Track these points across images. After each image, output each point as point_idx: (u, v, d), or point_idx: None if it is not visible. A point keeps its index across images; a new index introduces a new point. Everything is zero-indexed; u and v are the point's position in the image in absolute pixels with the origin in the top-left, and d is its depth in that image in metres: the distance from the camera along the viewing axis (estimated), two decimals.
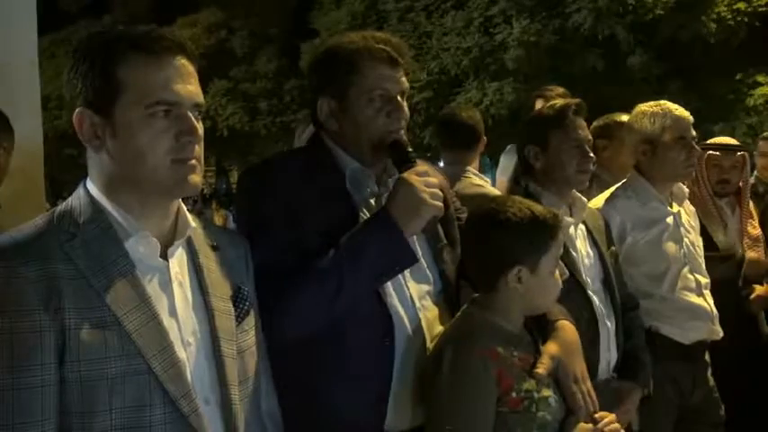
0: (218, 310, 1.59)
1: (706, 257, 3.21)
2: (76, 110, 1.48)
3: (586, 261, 2.68)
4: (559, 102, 2.82)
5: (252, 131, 20.90)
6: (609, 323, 2.66)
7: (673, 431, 3.09)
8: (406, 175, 1.90)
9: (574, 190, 2.69)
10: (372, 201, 2.01)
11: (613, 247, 2.87)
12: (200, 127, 1.53)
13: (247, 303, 1.66)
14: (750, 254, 3.57)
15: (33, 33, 2.97)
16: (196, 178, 1.53)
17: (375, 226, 1.89)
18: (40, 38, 3.17)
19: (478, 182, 3.83)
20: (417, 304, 1.98)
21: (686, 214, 3.21)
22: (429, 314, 2.00)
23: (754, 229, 3.77)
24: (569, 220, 2.65)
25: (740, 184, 3.78)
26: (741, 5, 14.38)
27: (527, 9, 15.46)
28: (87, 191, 1.53)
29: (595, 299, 2.63)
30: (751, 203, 3.88)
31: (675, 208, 3.15)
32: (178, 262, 1.56)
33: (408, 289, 1.98)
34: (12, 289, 1.36)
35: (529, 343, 2.04)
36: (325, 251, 1.87)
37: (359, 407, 1.89)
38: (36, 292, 1.37)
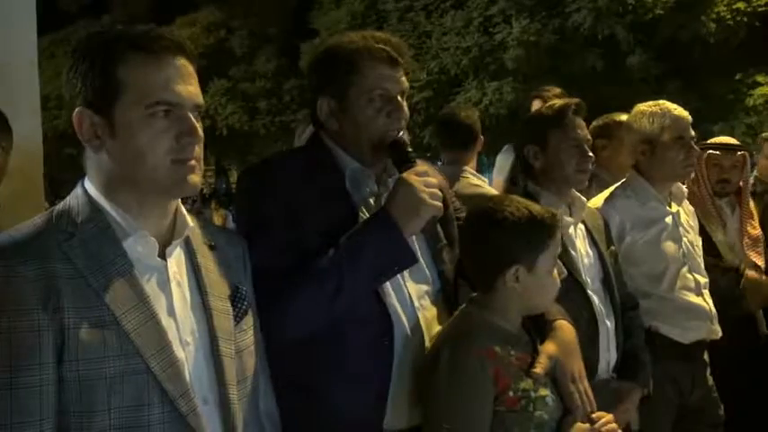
0: (216, 309, 1.59)
1: (708, 265, 3.22)
2: (76, 109, 1.48)
3: (586, 261, 2.68)
4: (558, 101, 2.82)
5: (251, 131, 20.90)
6: (608, 323, 2.66)
7: (672, 431, 3.09)
8: (405, 175, 1.91)
9: (573, 189, 2.69)
10: (372, 200, 2.01)
11: (613, 247, 2.87)
12: (199, 127, 1.53)
13: (245, 303, 1.66)
14: (750, 272, 3.57)
15: (33, 33, 2.96)
16: (195, 178, 1.53)
17: (375, 226, 1.89)
18: (40, 38, 3.16)
19: (476, 182, 3.83)
20: (416, 304, 1.98)
21: (685, 214, 3.21)
22: (427, 314, 2.00)
23: (754, 229, 3.77)
24: (569, 219, 2.65)
25: (740, 183, 3.78)
26: (740, 5, 14.37)
27: (526, 9, 15.46)
28: (85, 190, 1.53)
29: (595, 298, 2.63)
30: (751, 203, 3.88)
31: (674, 207, 3.15)
32: (176, 261, 1.56)
33: (407, 289, 1.98)
34: (10, 288, 1.36)
35: (527, 342, 2.04)
36: (324, 251, 1.87)
37: (358, 406, 1.89)
38: (34, 292, 1.37)
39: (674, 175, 3.12)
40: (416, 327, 1.97)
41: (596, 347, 2.59)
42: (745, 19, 14.33)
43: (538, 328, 2.10)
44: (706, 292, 3.13)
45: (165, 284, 1.53)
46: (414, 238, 1.96)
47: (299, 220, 1.90)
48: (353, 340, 1.89)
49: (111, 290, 1.43)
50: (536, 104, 3.99)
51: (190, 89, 1.51)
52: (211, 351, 1.56)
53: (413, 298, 1.98)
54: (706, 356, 3.18)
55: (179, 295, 1.54)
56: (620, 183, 3.20)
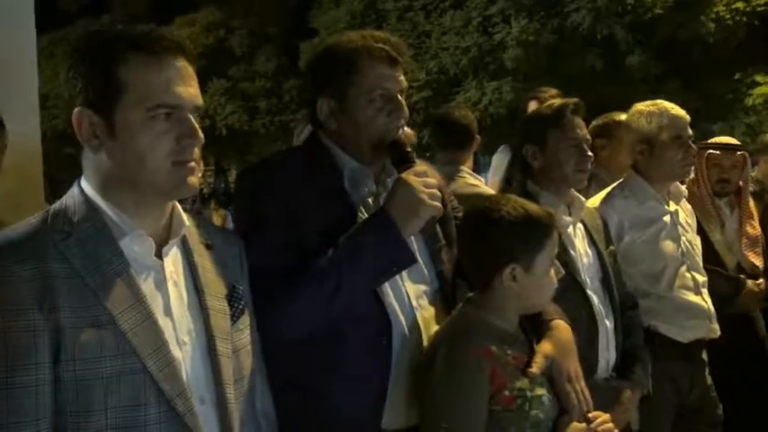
0: (212, 309, 1.58)
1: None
2: (75, 109, 1.48)
3: (585, 260, 2.68)
4: (557, 101, 2.82)
5: (251, 131, 20.88)
6: (608, 322, 2.66)
7: (671, 430, 3.09)
8: (405, 175, 1.90)
9: (572, 189, 2.69)
10: (370, 200, 2.01)
11: (612, 247, 2.87)
12: (199, 129, 1.53)
13: (242, 302, 1.66)
14: (749, 285, 3.58)
15: (32, 32, 2.96)
16: (194, 180, 1.53)
17: (374, 226, 1.89)
18: (39, 37, 3.16)
19: (473, 181, 3.83)
20: (414, 303, 1.98)
21: (683, 213, 3.22)
22: (426, 313, 2.00)
23: (754, 229, 3.77)
24: (568, 219, 2.65)
25: (740, 183, 3.78)
26: (740, 5, 14.36)
27: (526, 8, 15.45)
28: (82, 190, 1.52)
29: (594, 298, 2.63)
30: (751, 203, 3.89)
31: (673, 207, 3.16)
32: (173, 261, 1.56)
33: (405, 288, 1.98)
34: (6, 288, 1.36)
35: (523, 342, 2.04)
36: (323, 251, 1.87)
37: (357, 406, 1.89)
38: (30, 292, 1.37)
39: (672, 174, 3.12)
40: (414, 326, 1.97)
41: (596, 347, 2.60)
42: (745, 19, 14.32)
43: (535, 327, 2.10)
44: (705, 291, 3.13)
45: (161, 284, 1.52)
46: (412, 238, 1.96)
47: (298, 220, 1.89)
48: (352, 340, 1.89)
49: (108, 289, 1.43)
50: (532, 105, 4.00)
51: (190, 90, 1.51)
52: (208, 350, 1.55)
53: (411, 298, 1.98)
54: (705, 356, 3.18)
55: (176, 295, 1.54)
56: (617, 182, 3.21)
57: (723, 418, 3.20)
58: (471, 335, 1.94)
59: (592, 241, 2.75)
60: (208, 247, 1.65)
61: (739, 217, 3.76)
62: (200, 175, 1.55)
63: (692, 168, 3.22)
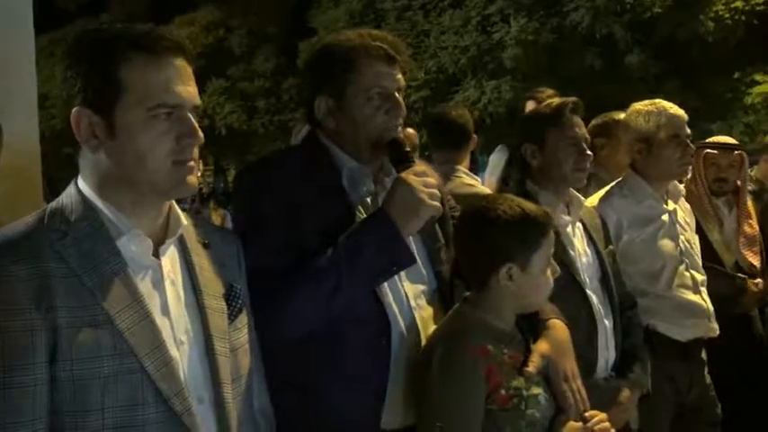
0: (210, 308, 1.58)
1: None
2: (74, 109, 1.47)
3: (584, 260, 2.67)
4: (556, 100, 2.82)
5: (250, 130, 20.88)
6: (607, 322, 2.66)
7: (669, 430, 3.09)
8: (404, 174, 1.90)
9: (571, 188, 2.69)
10: (369, 199, 2.01)
11: (611, 246, 2.87)
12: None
13: (240, 301, 1.66)
14: (751, 286, 3.59)
15: (30, 32, 2.96)
16: (193, 179, 1.53)
17: (373, 226, 1.88)
18: (38, 36, 3.16)
19: (469, 181, 3.81)
20: (412, 303, 1.98)
21: (682, 212, 3.22)
22: (424, 313, 2.00)
23: (751, 228, 3.78)
24: (567, 218, 2.65)
25: (738, 183, 3.79)
26: (739, 4, 14.37)
27: (525, 8, 15.46)
28: (79, 189, 1.52)
29: (593, 297, 2.63)
30: (749, 203, 3.89)
31: (671, 206, 3.16)
32: (170, 260, 1.56)
33: (404, 288, 1.97)
34: (3, 288, 1.36)
35: (520, 341, 2.04)
36: (322, 250, 1.86)
37: (356, 406, 1.89)
38: (27, 291, 1.37)
39: (670, 173, 3.13)
40: (412, 326, 1.96)
41: (595, 347, 2.59)
42: (744, 18, 14.33)
43: (531, 326, 2.10)
44: (704, 290, 3.13)
45: (158, 283, 1.52)
46: (410, 237, 1.95)
47: (297, 219, 1.89)
48: (351, 340, 1.89)
49: (105, 289, 1.43)
50: (530, 106, 3.99)
51: (189, 90, 1.51)
52: (206, 350, 1.55)
53: (409, 298, 1.98)
54: (704, 355, 3.18)
55: (173, 294, 1.54)
56: (616, 181, 3.21)
57: (722, 417, 3.20)
58: (468, 334, 1.94)
59: (591, 241, 2.74)
60: (205, 245, 1.65)
61: (737, 216, 3.77)
62: (198, 174, 1.55)
63: (690, 167, 3.22)
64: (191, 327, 1.55)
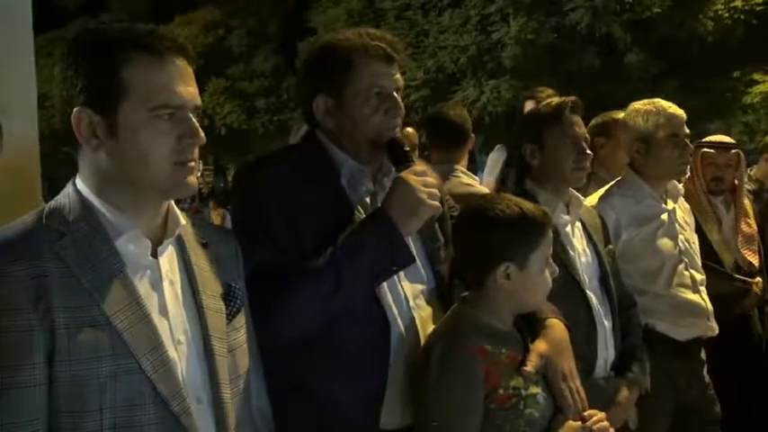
0: (208, 308, 1.58)
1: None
2: (75, 108, 1.47)
3: (583, 259, 2.67)
4: (555, 99, 2.82)
5: (249, 130, 20.90)
6: (606, 321, 2.65)
7: (669, 429, 3.09)
8: (404, 174, 1.90)
9: (571, 188, 2.69)
10: (368, 199, 2.01)
11: (610, 246, 2.86)
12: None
13: (238, 301, 1.65)
14: (755, 288, 3.60)
15: (29, 31, 2.95)
16: (193, 179, 1.53)
17: (373, 225, 1.88)
18: (38, 36, 3.16)
19: (468, 181, 3.81)
20: (411, 303, 1.98)
21: (681, 211, 3.22)
22: (423, 313, 2.00)
23: (749, 227, 3.78)
24: (566, 218, 2.65)
25: (735, 182, 3.79)
26: (738, 4, 14.39)
27: (524, 7, 15.47)
28: (77, 189, 1.52)
29: (593, 297, 2.62)
30: (747, 201, 3.89)
31: (670, 205, 3.16)
32: (168, 260, 1.55)
33: (403, 288, 1.97)
34: (0, 288, 1.35)
35: (518, 341, 2.03)
36: (321, 250, 1.86)
37: (357, 406, 1.88)
38: (25, 291, 1.36)
39: (669, 173, 3.13)
40: (411, 326, 1.96)
41: (594, 346, 2.59)
42: (743, 17, 14.35)
43: (529, 326, 2.10)
44: (703, 290, 3.13)
45: (157, 283, 1.51)
46: (409, 237, 1.95)
47: (296, 219, 1.89)
48: (350, 340, 1.88)
49: (103, 289, 1.42)
50: (529, 105, 3.99)
51: (190, 90, 1.51)
52: (204, 350, 1.55)
53: (408, 297, 1.98)
54: (703, 354, 3.18)
55: (171, 294, 1.53)
56: (615, 181, 3.21)
57: (721, 417, 3.20)
58: (466, 334, 1.94)
59: (590, 240, 2.74)
60: (204, 245, 1.65)
61: (735, 215, 3.77)
62: (198, 174, 1.55)
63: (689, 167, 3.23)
64: (189, 327, 1.54)
